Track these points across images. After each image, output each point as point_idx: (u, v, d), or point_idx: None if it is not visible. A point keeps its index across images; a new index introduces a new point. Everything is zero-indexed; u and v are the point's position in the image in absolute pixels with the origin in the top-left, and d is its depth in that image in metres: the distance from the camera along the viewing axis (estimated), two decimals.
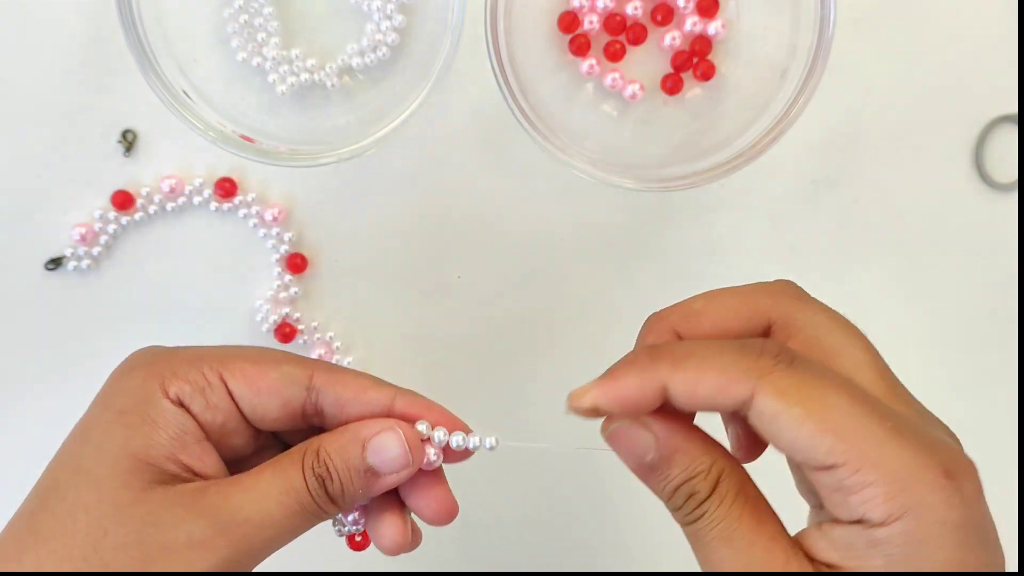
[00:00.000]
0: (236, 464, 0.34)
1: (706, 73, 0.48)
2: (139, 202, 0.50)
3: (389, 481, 0.33)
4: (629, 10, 0.48)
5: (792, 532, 0.30)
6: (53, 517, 0.31)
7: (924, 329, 0.53)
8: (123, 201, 0.49)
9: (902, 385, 0.30)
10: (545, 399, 0.47)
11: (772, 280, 0.33)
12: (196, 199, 0.50)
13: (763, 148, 0.45)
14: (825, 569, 0.27)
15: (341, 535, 0.36)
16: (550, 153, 0.46)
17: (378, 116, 0.47)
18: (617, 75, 0.48)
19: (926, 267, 0.52)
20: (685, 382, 0.28)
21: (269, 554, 0.32)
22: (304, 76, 0.48)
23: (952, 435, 0.30)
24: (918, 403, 0.30)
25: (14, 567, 0.30)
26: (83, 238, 0.49)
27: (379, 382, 0.34)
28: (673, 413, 0.29)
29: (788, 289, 0.32)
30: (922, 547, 0.26)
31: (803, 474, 0.29)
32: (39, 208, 0.49)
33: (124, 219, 0.50)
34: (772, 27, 0.47)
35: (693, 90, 0.49)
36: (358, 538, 0.37)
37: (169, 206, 0.50)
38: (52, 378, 0.51)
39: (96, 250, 0.50)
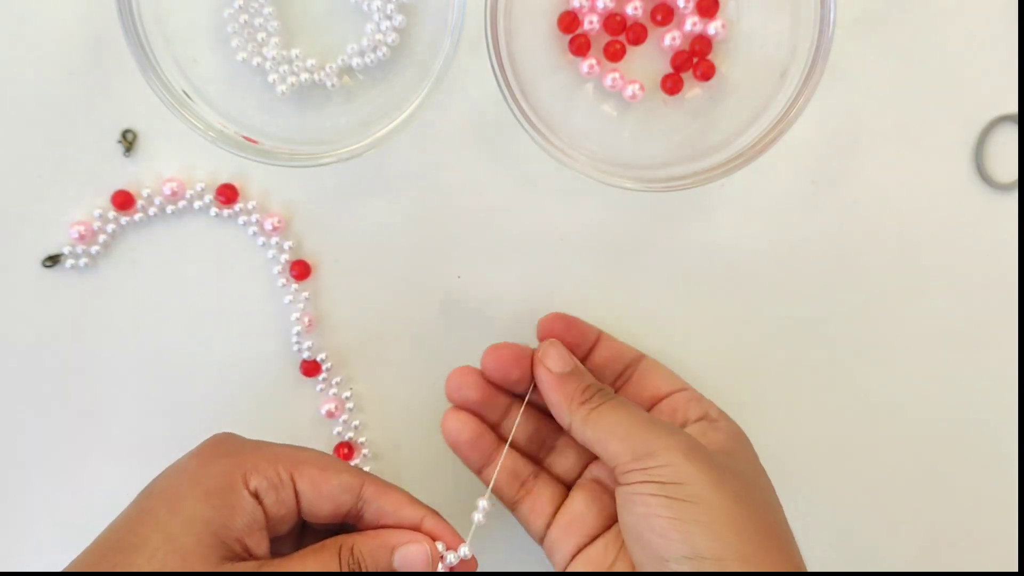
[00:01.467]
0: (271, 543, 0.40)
1: (706, 73, 0.48)
2: (139, 203, 0.50)
3: None
4: (629, 10, 0.48)
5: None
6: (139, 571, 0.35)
7: (924, 329, 0.53)
8: (123, 201, 0.49)
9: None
10: None
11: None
12: (197, 204, 0.50)
13: (763, 148, 0.45)
14: None
15: None
16: (550, 153, 0.46)
17: (378, 116, 0.47)
18: (617, 75, 0.48)
19: (926, 267, 0.52)
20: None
21: None
22: (304, 76, 0.48)
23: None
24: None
25: None
26: (82, 237, 0.49)
27: (414, 501, 0.41)
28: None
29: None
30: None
31: None
32: (39, 207, 0.49)
33: (123, 219, 0.50)
34: (772, 27, 0.47)
35: (693, 90, 0.49)
36: None
37: (169, 209, 0.50)
38: (48, 376, 0.51)
39: (95, 249, 0.50)
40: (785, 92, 0.46)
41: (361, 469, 0.42)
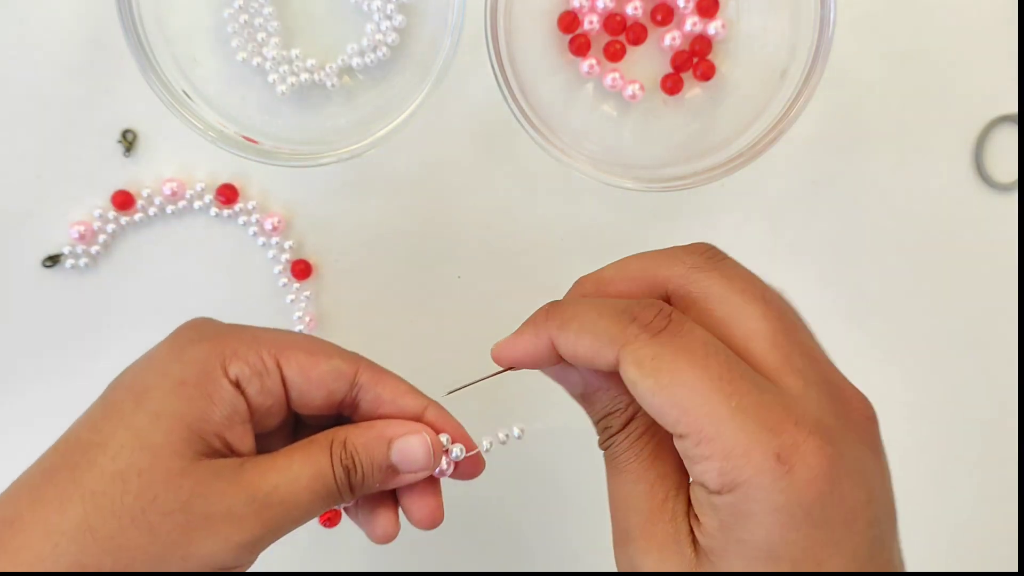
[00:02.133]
0: (258, 437, 0.36)
1: (706, 73, 0.48)
2: (139, 203, 0.50)
3: (405, 479, 0.35)
4: (629, 10, 0.48)
5: None
6: (102, 474, 0.31)
7: (924, 329, 0.53)
8: (123, 201, 0.49)
9: (801, 354, 0.30)
10: (545, 396, 0.47)
11: (688, 244, 0.33)
12: (197, 204, 0.50)
13: (763, 148, 0.45)
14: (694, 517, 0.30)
15: None
16: (550, 153, 0.46)
17: (378, 116, 0.47)
18: (617, 75, 0.48)
19: (926, 267, 0.52)
20: (566, 344, 0.31)
21: (285, 534, 0.34)
22: (304, 76, 0.48)
23: (848, 412, 0.29)
24: (820, 371, 0.30)
25: (56, 519, 0.31)
26: (82, 236, 0.49)
27: (415, 390, 0.37)
28: None
29: (693, 255, 0.32)
30: (746, 520, 0.27)
31: None
32: (39, 207, 0.49)
33: (123, 219, 0.50)
34: (772, 27, 0.47)
35: (693, 90, 0.49)
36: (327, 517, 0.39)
37: (169, 209, 0.50)
38: (46, 375, 0.51)
39: (95, 249, 0.50)
40: (785, 92, 0.46)
41: (356, 354, 0.36)
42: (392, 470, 0.35)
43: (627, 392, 0.30)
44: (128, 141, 0.49)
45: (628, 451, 0.31)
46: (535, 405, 0.49)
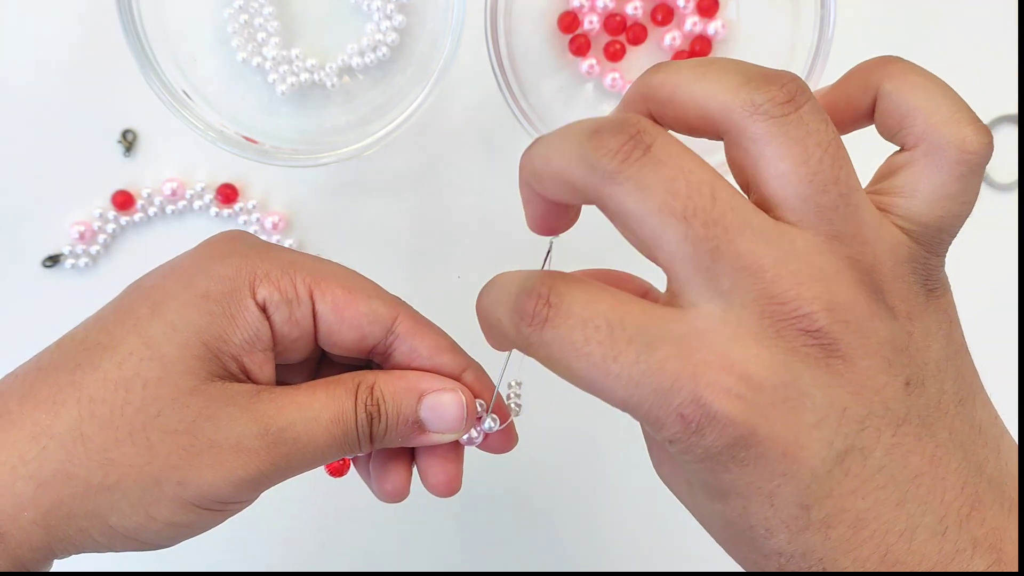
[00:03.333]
0: (280, 368, 0.33)
1: None
2: (139, 203, 0.50)
3: (430, 439, 0.32)
4: (629, 10, 0.48)
5: None
6: (104, 379, 0.29)
7: None
8: (123, 201, 0.49)
9: (732, 270, 0.24)
10: (544, 396, 0.47)
11: (602, 121, 0.26)
12: (197, 203, 0.50)
13: None
14: None
15: None
16: None
17: (378, 116, 0.47)
18: (617, 75, 0.48)
19: None
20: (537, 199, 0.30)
21: (299, 474, 0.31)
22: (304, 76, 0.48)
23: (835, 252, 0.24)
24: (755, 278, 0.24)
25: (48, 421, 0.29)
26: (82, 236, 0.49)
27: (456, 347, 0.34)
28: None
29: (607, 156, 0.25)
30: (683, 468, 0.26)
31: None
32: (39, 207, 0.49)
33: (123, 219, 0.50)
34: (772, 27, 0.47)
35: None
36: (340, 461, 0.36)
37: (169, 209, 0.50)
38: None
39: (95, 249, 0.50)
40: None
41: (398, 299, 0.33)
42: (419, 426, 0.32)
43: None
44: (128, 141, 0.49)
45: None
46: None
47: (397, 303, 0.33)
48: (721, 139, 0.27)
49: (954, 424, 0.26)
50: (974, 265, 0.53)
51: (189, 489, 0.29)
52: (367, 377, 0.32)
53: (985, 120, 0.51)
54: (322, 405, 0.31)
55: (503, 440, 0.34)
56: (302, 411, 0.30)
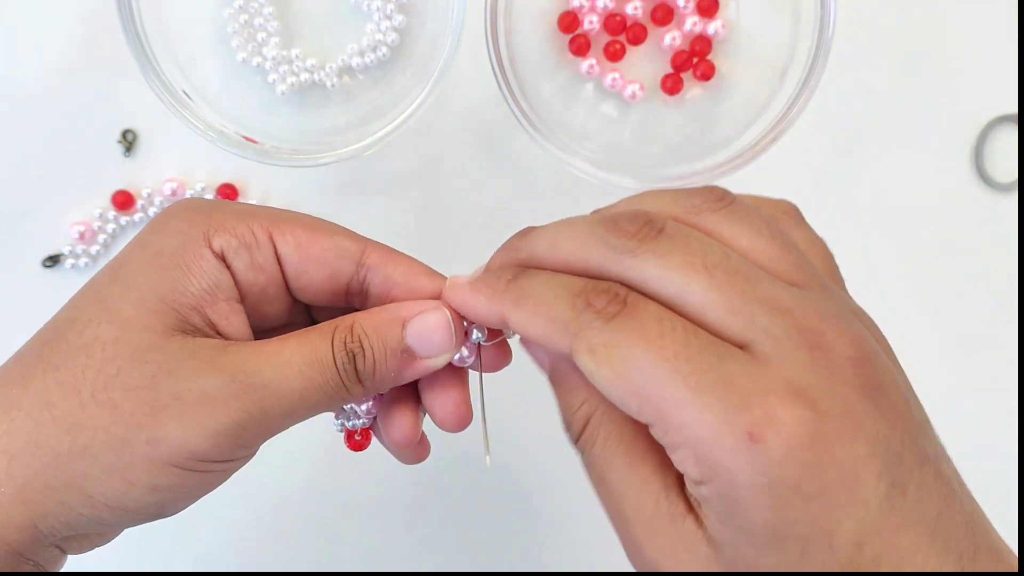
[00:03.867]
0: (263, 334, 0.32)
1: (706, 73, 0.48)
2: (139, 203, 0.50)
3: (424, 366, 0.31)
4: (629, 10, 0.48)
5: None
6: (68, 348, 0.29)
7: (924, 329, 0.53)
8: (124, 201, 0.49)
9: (766, 310, 0.26)
10: (545, 395, 0.47)
11: (614, 215, 0.28)
12: None
13: (763, 148, 0.45)
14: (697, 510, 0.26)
15: (341, 431, 0.35)
16: (550, 153, 0.46)
17: (378, 116, 0.47)
18: (617, 75, 0.48)
19: (926, 267, 0.52)
20: (519, 323, 0.28)
21: (283, 427, 0.30)
22: (304, 76, 0.48)
23: (830, 360, 0.25)
24: (791, 322, 0.25)
25: (16, 393, 0.29)
26: (82, 236, 0.49)
27: (431, 270, 0.33)
28: None
29: (621, 238, 0.27)
30: (737, 509, 0.24)
31: None
32: (39, 207, 0.49)
33: (123, 219, 0.50)
34: (772, 27, 0.47)
35: (693, 90, 0.49)
36: (358, 436, 0.35)
37: None
38: None
39: (95, 249, 0.50)
40: (785, 92, 0.46)
41: (364, 237, 0.33)
42: (408, 354, 0.31)
43: (583, 388, 0.28)
44: (128, 141, 0.49)
45: (599, 460, 0.28)
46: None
47: (364, 239, 0.33)
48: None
49: (949, 467, 0.27)
50: (974, 265, 0.53)
51: (161, 447, 0.28)
52: (344, 320, 0.31)
53: (985, 120, 0.51)
54: (293, 351, 0.30)
55: (497, 356, 0.33)
56: (271, 358, 0.29)
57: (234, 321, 0.31)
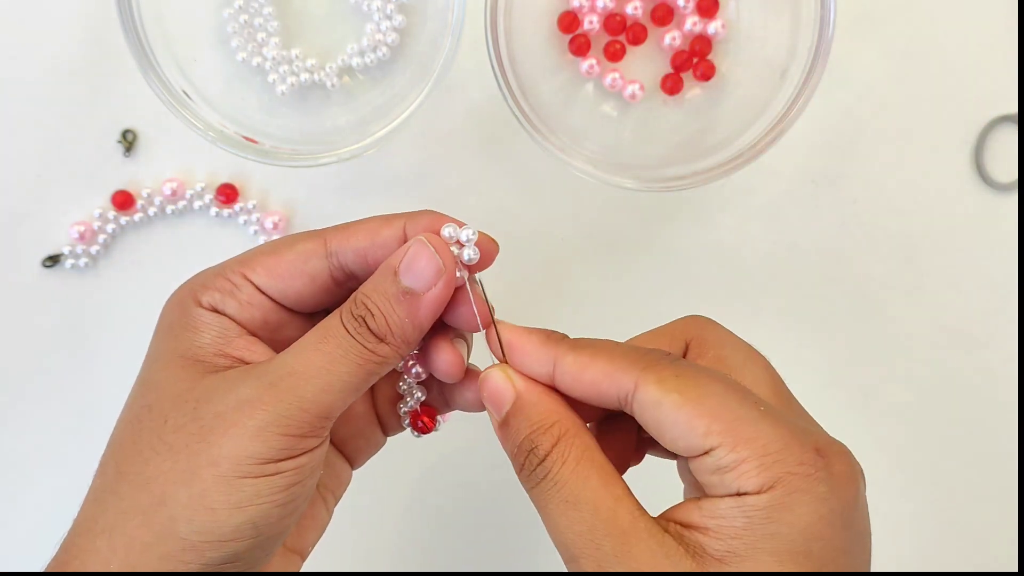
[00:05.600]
0: None
1: (706, 73, 0.48)
2: (139, 203, 0.50)
3: (430, 298, 0.32)
4: (629, 10, 0.48)
5: None
6: (123, 427, 0.32)
7: (924, 329, 0.53)
8: (123, 201, 0.49)
9: (797, 403, 0.32)
10: None
11: (686, 316, 0.35)
12: (197, 203, 0.50)
13: (763, 148, 0.45)
14: (694, 530, 0.29)
15: (407, 424, 0.37)
16: (550, 153, 0.46)
17: (378, 116, 0.47)
18: (617, 75, 0.48)
19: (926, 267, 0.52)
20: (576, 363, 0.31)
21: (331, 407, 0.31)
22: (304, 76, 0.48)
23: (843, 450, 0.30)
24: (811, 419, 0.32)
25: (99, 478, 0.32)
26: (82, 236, 0.49)
27: (388, 217, 0.34)
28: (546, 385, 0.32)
29: (700, 318, 0.35)
30: (784, 512, 0.27)
31: (686, 466, 0.31)
32: (39, 207, 0.49)
33: (123, 219, 0.50)
34: (772, 27, 0.47)
35: (693, 90, 0.49)
36: (421, 422, 0.37)
37: (169, 209, 0.50)
38: (48, 375, 0.51)
39: (94, 249, 0.50)
40: (785, 92, 0.46)
41: (321, 229, 0.35)
42: (410, 295, 0.32)
43: (560, 410, 0.31)
44: (128, 141, 0.49)
45: (573, 478, 0.30)
46: None
47: (321, 231, 0.34)
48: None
49: None
50: (974, 265, 0.53)
51: (222, 464, 0.30)
52: (346, 303, 0.33)
53: (985, 120, 0.51)
54: (308, 337, 0.32)
55: (485, 252, 0.34)
56: (291, 351, 0.32)
57: (256, 349, 0.33)
